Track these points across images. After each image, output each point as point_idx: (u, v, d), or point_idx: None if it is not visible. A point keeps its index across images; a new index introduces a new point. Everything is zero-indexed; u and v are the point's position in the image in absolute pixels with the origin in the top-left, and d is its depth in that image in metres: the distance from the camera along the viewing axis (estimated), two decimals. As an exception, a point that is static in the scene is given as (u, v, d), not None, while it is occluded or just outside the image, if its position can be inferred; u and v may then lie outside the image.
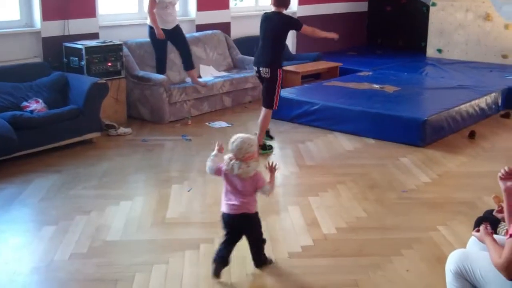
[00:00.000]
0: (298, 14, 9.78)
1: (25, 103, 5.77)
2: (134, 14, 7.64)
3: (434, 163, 5.65)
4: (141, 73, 7.00)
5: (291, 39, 9.83)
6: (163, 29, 6.86)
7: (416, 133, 6.13)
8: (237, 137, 3.48)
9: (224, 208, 3.55)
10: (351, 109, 6.59)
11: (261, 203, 4.68)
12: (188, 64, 7.21)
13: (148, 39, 7.18)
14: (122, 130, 6.49)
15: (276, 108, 5.97)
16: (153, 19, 6.80)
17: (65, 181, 5.10)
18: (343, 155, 5.92)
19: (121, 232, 4.15)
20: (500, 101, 7.57)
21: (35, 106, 5.76)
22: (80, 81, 6.09)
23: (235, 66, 8.37)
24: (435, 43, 10.22)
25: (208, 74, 7.80)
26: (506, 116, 7.41)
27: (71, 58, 6.53)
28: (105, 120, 6.45)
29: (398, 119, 6.24)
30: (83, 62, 6.42)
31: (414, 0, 10.88)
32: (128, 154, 5.87)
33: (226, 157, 3.53)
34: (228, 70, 8.21)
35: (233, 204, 3.50)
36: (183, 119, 7.05)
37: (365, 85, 7.65)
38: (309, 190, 4.95)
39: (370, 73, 8.62)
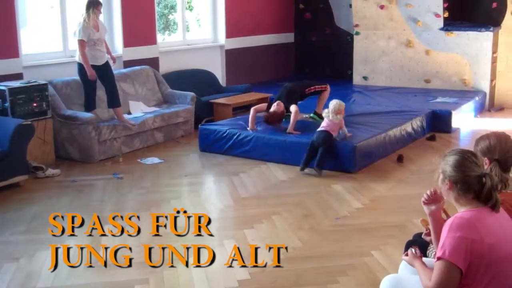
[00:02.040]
0: (226, 47, 9.89)
1: None
2: (58, 53, 7.52)
3: (365, 189, 5.77)
4: (68, 112, 6.87)
5: (220, 72, 9.90)
6: (92, 65, 6.77)
7: (347, 160, 6.25)
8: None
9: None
10: (283, 139, 6.67)
11: (196, 239, 4.66)
12: (113, 101, 7.11)
13: (75, 77, 7.08)
14: (50, 171, 6.32)
15: None
16: (85, 60, 6.70)
17: (-9, 227, 4.91)
18: (277, 185, 5.97)
19: (52, 278, 4.00)
20: (425, 125, 7.84)
21: (-43, 151, 5.55)
22: (4, 123, 5.91)
23: (165, 101, 8.33)
24: (361, 71, 10.52)
25: (138, 110, 7.73)
26: (431, 139, 7.67)
27: (-6, 100, 6.35)
28: (32, 162, 6.27)
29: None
30: (7, 104, 6.24)
31: (338, 30, 11.20)
32: (57, 196, 5.72)
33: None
34: (158, 105, 8.16)
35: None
36: (114, 157, 6.94)
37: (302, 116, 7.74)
38: (245, 223, 4.94)
39: (300, 102, 8.72)
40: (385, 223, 4.84)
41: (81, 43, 6.66)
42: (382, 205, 5.29)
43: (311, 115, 7.68)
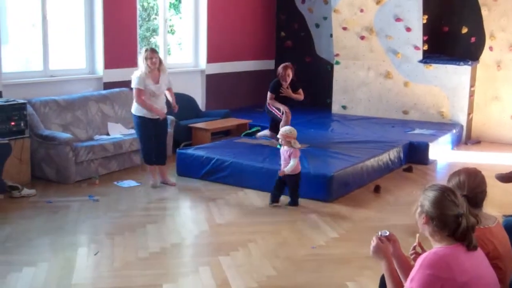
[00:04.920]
0: (207, 72, 9.94)
1: None
2: (39, 72, 7.48)
3: (341, 218, 5.79)
4: (46, 132, 6.82)
5: (200, 96, 9.93)
6: (144, 117, 6.55)
7: (323, 189, 6.28)
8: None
9: None
10: (260, 166, 6.68)
11: (170, 264, 4.64)
12: (160, 159, 6.83)
13: (54, 97, 7.08)
14: (26, 191, 6.24)
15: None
16: (147, 106, 6.48)
17: (-38, 247, 4.83)
18: (253, 213, 5.96)
19: (23, 301, 3.95)
20: (402, 156, 7.92)
21: None
22: (-19, 141, 5.85)
23: (145, 123, 8.30)
24: (340, 100, 10.62)
25: (117, 131, 7.70)
26: (408, 170, 7.74)
27: (-29, 117, 6.28)
28: (7, 181, 6.19)
29: (305, 175, 6.36)
30: (-16, 122, 6.19)
31: (319, 58, 11.32)
32: (32, 217, 5.64)
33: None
34: (137, 127, 8.13)
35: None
36: (90, 178, 6.88)
37: (273, 143, 7.78)
38: (220, 249, 4.92)
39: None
40: (360, 254, 4.85)
41: (137, 91, 6.44)
42: (358, 236, 5.30)
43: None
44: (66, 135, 6.75)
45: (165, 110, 6.71)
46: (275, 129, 7.50)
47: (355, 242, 5.16)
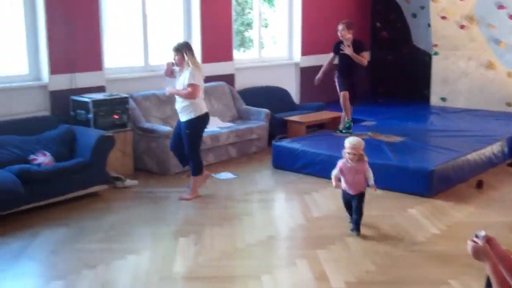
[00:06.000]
0: (301, 65, 9.91)
1: (32, 156, 5.79)
2: (140, 67, 7.74)
3: (442, 214, 5.61)
4: (147, 125, 7.05)
5: (294, 89, 9.92)
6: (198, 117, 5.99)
7: (423, 183, 6.10)
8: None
9: None
10: (357, 159, 6.57)
11: (267, 256, 4.67)
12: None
13: (154, 91, 7.32)
14: (128, 182, 6.49)
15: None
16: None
17: (71, 234, 5.08)
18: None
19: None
20: (506, 150, 7.56)
21: (43, 159, 5.78)
22: (87, 134, 6.13)
23: (240, 117, 8.42)
24: (439, 92, 10.30)
25: (213, 125, 7.84)
26: (513, 165, 7.40)
27: (78, 111, 6.58)
28: (111, 172, 6.46)
29: (404, 169, 6.22)
30: (90, 115, 6.47)
31: (416, 49, 11.02)
32: (134, 207, 5.86)
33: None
34: (233, 120, 8.26)
35: None
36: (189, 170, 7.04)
37: (369, 135, 7.66)
38: (317, 243, 4.89)
39: (374, 122, 8.65)
40: (464, 251, 4.58)
41: (195, 87, 5.80)
42: (461, 232, 5.11)
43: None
44: (166, 128, 6.94)
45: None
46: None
47: (457, 239, 4.98)
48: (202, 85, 5.94)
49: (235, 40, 9.15)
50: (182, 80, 5.86)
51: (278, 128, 8.56)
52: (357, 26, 11.04)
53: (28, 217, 5.40)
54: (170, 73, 6.05)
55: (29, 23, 6.53)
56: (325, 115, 9.14)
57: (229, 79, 8.68)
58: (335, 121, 9.05)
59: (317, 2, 10.06)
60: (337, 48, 7.82)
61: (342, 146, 7.02)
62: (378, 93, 11.43)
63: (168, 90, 6.05)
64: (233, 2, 8.82)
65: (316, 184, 6.57)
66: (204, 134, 7.28)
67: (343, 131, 7.81)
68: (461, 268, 4.35)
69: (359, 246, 4.83)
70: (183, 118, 5.93)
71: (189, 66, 5.81)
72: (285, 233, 5.27)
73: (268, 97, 9.04)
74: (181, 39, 8.07)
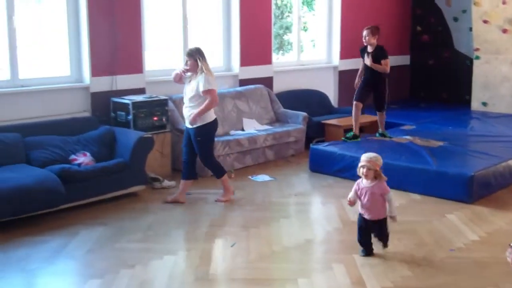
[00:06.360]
0: (340, 68, 9.86)
1: (73, 156, 5.91)
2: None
3: (482, 221, 5.51)
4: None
5: (332, 92, 9.88)
6: (205, 124, 5.96)
7: (463, 189, 6.00)
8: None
9: None
10: (395, 164, 6.50)
11: (303, 259, 4.66)
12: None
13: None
14: (166, 183, 6.56)
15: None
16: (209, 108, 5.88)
17: (110, 233, 5.16)
18: (387, 211, 5.82)
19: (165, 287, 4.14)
20: (549, 156, 7.37)
21: (83, 159, 5.89)
22: (127, 135, 6.22)
23: (278, 120, 8.43)
24: (480, 97, 10.11)
25: (251, 127, 7.87)
26: (556, 171, 7.20)
27: (118, 112, 6.68)
28: (150, 173, 6.53)
29: (444, 174, 6.13)
30: (130, 117, 6.56)
31: (457, 53, 10.85)
32: (171, 208, 5.91)
33: None
34: (270, 123, 8.26)
35: None
36: (226, 172, 7.07)
37: (408, 139, 7.57)
38: (354, 247, 4.84)
39: (414, 127, 8.55)
40: (504, 259, 4.56)
41: (212, 92, 5.76)
42: (502, 240, 4.99)
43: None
44: (203, 130, 6.97)
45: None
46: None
47: (498, 246, 4.87)
48: (217, 89, 5.90)
49: (273, 44, 9.15)
50: (195, 85, 5.80)
51: (315, 132, 8.53)
52: (397, 29, 10.99)
53: (67, 216, 5.51)
54: (179, 79, 6.05)
55: (72, 26, 6.68)
56: (363, 118, 9.04)
57: (267, 82, 8.70)
58: (373, 125, 8.97)
59: (357, 5, 10.00)
60: (362, 54, 7.76)
61: (380, 150, 7.00)
62: (419, 98, 11.28)
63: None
64: (273, 6, 8.84)
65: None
66: (242, 137, 7.36)
67: (347, 140, 7.69)
68: (502, 276, 4.27)
69: (396, 251, 4.78)
70: (193, 124, 5.88)
71: (202, 71, 5.78)
72: (322, 236, 5.26)
73: (306, 100, 9.02)
74: (220, 42, 8.17)
